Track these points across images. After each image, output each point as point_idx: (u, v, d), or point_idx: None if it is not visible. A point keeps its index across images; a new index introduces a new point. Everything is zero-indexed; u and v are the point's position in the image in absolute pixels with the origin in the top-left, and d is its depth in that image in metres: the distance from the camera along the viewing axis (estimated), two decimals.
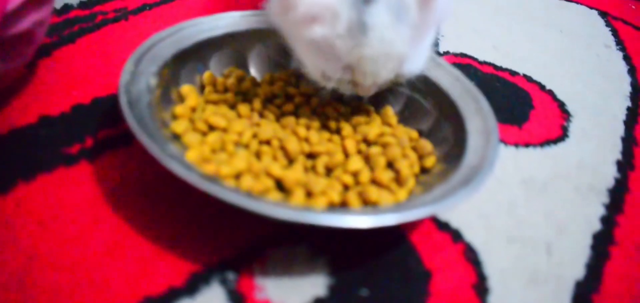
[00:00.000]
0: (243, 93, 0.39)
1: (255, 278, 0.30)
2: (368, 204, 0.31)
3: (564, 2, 0.72)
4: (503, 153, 0.42)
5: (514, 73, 0.53)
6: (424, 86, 0.39)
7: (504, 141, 0.43)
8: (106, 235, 0.31)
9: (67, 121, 0.38)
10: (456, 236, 0.34)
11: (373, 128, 0.37)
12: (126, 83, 0.33)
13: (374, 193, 0.31)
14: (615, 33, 0.65)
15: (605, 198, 0.39)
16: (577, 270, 0.34)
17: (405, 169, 0.34)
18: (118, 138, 0.37)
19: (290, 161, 0.34)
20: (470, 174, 0.31)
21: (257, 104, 0.38)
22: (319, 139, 0.36)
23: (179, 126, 0.34)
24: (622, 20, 0.69)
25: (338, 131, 0.37)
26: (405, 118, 0.40)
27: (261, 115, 0.38)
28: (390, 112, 0.39)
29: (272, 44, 0.41)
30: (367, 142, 0.36)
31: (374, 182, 0.33)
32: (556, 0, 0.72)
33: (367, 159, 0.35)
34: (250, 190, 0.30)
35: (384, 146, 0.35)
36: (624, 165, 0.43)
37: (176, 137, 0.34)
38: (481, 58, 0.54)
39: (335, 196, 0.31)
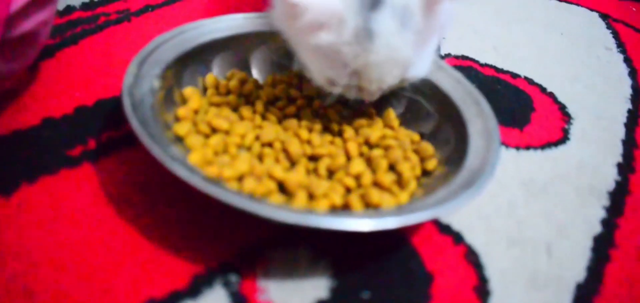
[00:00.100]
0: (245, 96, 0.39)
1: (258, 280, 0.30)
2: (370, 206, 0.31)
3: (565, 5, 0.72)
4: (504, 155, 0.42)
5: (515, 75, 0.53)
6: (426, 88, 0.39)
7: (505, 144, 0.43)
8: (109, 237, 0.31)
9: (70, 122, 0.38)
10: (457, 238, 0.34)
11: (375, 130, 0.37)
12: (129, 85, 0.33)
13: (375, 195, 0.31)
14: (616, 35, 0.65)
15: (605, 201, 0.40)
16: (577, 272, 0.34)
17: (407, 171, 0.34)
18: (121, 140, 0.37)
19: (293, 163, 0.34)
20: (471, 177, 0.32)
21: (259, 106, 0.38)
22: (321, 141, 0.36)
23: (181, 128, 0.34)
24: (623, 22, 0.69)
25: (340, 134, 0.37)
26: (406, 120, 0.40)
27: (263, 117, 0.38)
28: (392, 114, 0.39)
29: (275, 46, 0.42)
30: (369, 144, 0.36)
31: (376, 185, 0.33)
32: (557, 3, 0.72)
33: (369, 162, 0.35)
34: (252, 192, 0.30)
35: (386, 148, 0.36)
36: (625, 168, 0.43)
37: (179, 139, 0.34)
38: (482, 60, 0.55)
39: (337, 199, 0.31)
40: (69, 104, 0.40)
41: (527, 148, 0.43)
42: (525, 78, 0.53)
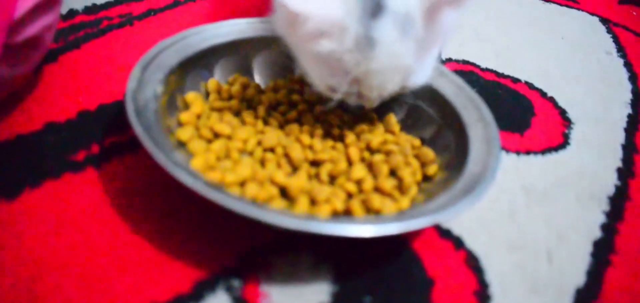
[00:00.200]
0: (247, 100, 0.39)
1: (260, 285, 0.30)
2: (371, 212, 0.32)
3: (566, 9, 0.72)
4: (504, 160, 0.42)
5: (515, 80, 0.53)
6: (427, 94, 0.40)
7: (505, 148, 0.43)
8: (113, 242, 0.31)
9: (73, 127, 0.38)
10: (458, 243, 0.34)
11: (376, 135, 0.37)
12: (133, 91, 0.33)
13: (377, 201, 0.32)
14: (616, 40, 0.66)
15: (605, 206, 0.40)
16: (577, 277, 0.34)
17: (408, 177, 0.34)
18: (124, 145, 0.37)
19: (294, 168, 0.35)
20: (472, 182, 0.32)
21: (261, 111, 0.38)
22: (322, 146, 0.36)
23: (184, 134, 0.34)
24: (623, 27, 0.69)
25: (341, 139, 0.38)
26: (407, 125, 0.40)
27: (265, 122, 0.38)
28: (393, 120, 0.39)
29: (277, 51, 0.42)
30: (370, 150, 0.37)
31: (377, 190, 0.33)
32: (558, 7, 0.72)
33: (370, 167, 0.35)
34: (255, 197, 0.31)
35: (387, 154, 0.36)
36: (625, 173, 0.43)
37: (181, 144, 0.34)
38: (483, 65, 0.55)
39: (339, 204, 0.31)
40: (72, 109, 0.40)
41: (528, 152, 0.44)
42: (526, 83, 0.53)
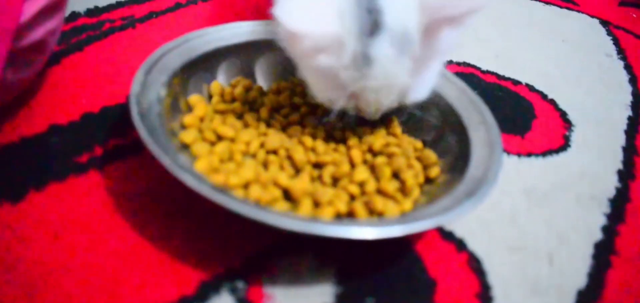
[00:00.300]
0: (250, 103, 0.40)
1: (264, 286, 0.30)
2: (374, 214, 0.32)
3: (566, 12, 0.73)
4: (505, 162, 0.42)
5: (516, 83, 0.53)
6: (428, 97, 0.40)
7: (506, 151, 0.44)
8: (117, 244, 0.31)
9: (77, 129, 0.39)
10: (460, 245, 0.35)
11: (378, 138, 0.37)
12: (137, 94, 0.33)
13: (379, 203, 0.32)
14: (616, 42, 0.66)
15: (606, 208, 0.40)
16: (578, 279, 0.34)
17: (411, 179, 0.34)
18: (127, 148, 0.38)
19: (297, 170, 0.35)
20: (474, 185, 0.32)
21: (263, 113, 0.38)
22: (325, 149, 0.36)
23: (187, 136, 0.34)
24: (623, 29, 0.69)
25: (343, 141, 0.38)
26: (409, 128, 0.40)
27: (268, 125, 0.38)
28: (394, 122, 0.40)
29: (279, 53, 0.42)
30: (373, 152, 0.37)
31: (380, 192, 0.34)
32: (558, 10, 0.73)
33: (373, 170, 0.35)
34: (258, 200, 0.31)
35: (389, 156, 0.36)
36: (625, 175, 0.44)
37: (185, 147, 0.34)
38: (484, 67, 0.55)
39: (342, 206, 0.32)
40: (75, 111, 0.40)
41: (529, 155, 0.44)
42: (527, 85, 0.53)
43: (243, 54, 0.42)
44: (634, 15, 0.75)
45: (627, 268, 0.35)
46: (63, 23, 0.41)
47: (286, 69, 0.42)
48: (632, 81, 0.58)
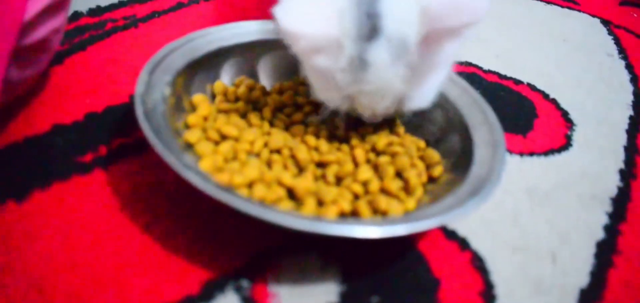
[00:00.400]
0: (253, 102, 0.40)
1: (269, 285, 0.30)
2: (378, 213, 0.32)
3: (567, 11, 0.73)
4: (508, 162, 0.42)
5: (518, 82, 0.54)
6: None
7: (508, 150, 0.44)
8: (122, 243, 0.31)
9: (80, 129, 0.39)
10: (463, 244, 0.35)
11: (381, 137, 0.38)
12: (141, 93, 0.33)
13: (383, 202, 0.32)
14: (617, 42, 0.66)
15: (608, 207, 0.40)
16: (581, 278, 0.34)
17: (414, 178, 0.34)
18: (131, 147, 0.38)
19: (300, 169, 0.35)
20: (478, 185, 0.32)
21: (267, 113, 0.38)
22: (328, 148, 0.36)
23: (192, 136, 0.34)
24: (624, 28, 0.70)
25: (346, 140, 0.38)
26: (412, 127, 0.40)
27: (271, 124, 0.38)
28: (397, 122, 0.40)
29: (282, 53, 0.42)
30: (376, 151, 0.37)
31: (383, 191, 0.34)
32: (559, 9, 0.73)
33: (376, 169, 0.35)
34: (262, 199, 0.31)
35: (393, 155, 0.36)
36: (627, 174, 0.44)
37: (189, 146, 0.34)
38: (486, 67, 0.55)
39: (346, 206, 0.32)
40: (78, 111, 0.40)
41: (531, 154, 0.44)
42: (528, 84, 0.53)
43: (246, 54, 0.43)
44: (635, 15, 0.75)
45: (629, 267, 0.36)
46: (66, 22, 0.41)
47: (289, 68, 0.42)
48: (633, 80, 0.58)
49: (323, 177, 0.35)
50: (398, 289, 0.31)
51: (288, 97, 0.40)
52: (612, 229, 0.38)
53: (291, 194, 0.33)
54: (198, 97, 0.38)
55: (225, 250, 0.32)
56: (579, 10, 0.73)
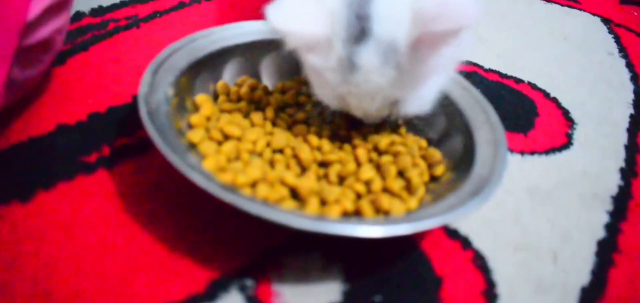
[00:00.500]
0: (256, 102, 0.40)
1: (273, 284, 0.31)
2: (380, 212, 0.32)
3: (567, 10, 0.73)
4: (509, 161, 0.42)
5: (518, 81, 0.54)
6: None
7: (509, 149, 0.44)
8: (126, 243, 0.31)
9: (84, 129, 0.39)
10: (465, 243, 0.35)
11: (383, 136, 0.38)
12: (145, 94, 0.34)
13: (386, 201, 0.32)
14: (617, 40, 0.66)
15: (609, 206, 0.40)
16: (582, 276, 0.35)
17: (416, 178, 0.34)
18: (134, 147, 0.38)
19: (303, 169, 0.35)
20: (480, 184, 0.32)
21: (269, 112, 0.39)
22: (330, 148, 0.37)
23: (195, 136, 0.35)
24: (625, 27, 0.70)
25: (348, 140, 0.38)
26: (414, 126, 0.40)
27: (274, 124, 0.38)
28: (399, 121, 0.40)
29: (284, 53, 0.42)
30: (378, 151, 0.37)
31: (386, 190, 0.34)
32: (559, 8, 0.73)
33: (378, 168, 0.36)
34: (266, 198, 0.31)
35: (395, 155, 0.36)
36: (627, 173, 0.44)
37: (192, 146, 0.34)
38: (486, 66, 0.55)
39: (349, 205, 0.32)
40: (82, 111, 0.40)
41: (532, 153, 0.44)
42: (529, 83, 0.54)
43: (248, 54, 0.43)
44: (635, 14, 0.75)
45: (630, 266, 0.36)
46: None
47: (291, 68, 0.42)
48: (634, 79, 0.58)
49: (325, 176, 0.35)
50: (400, 288, 0.32)
51: (290, 97, 0.41)
52: (613, 228, 0.38)
53: (294, 193, 0.33)
54: (201, 97, 0.38)
55: (229, 249, 0.32)
56: (580, 9, 0.73)
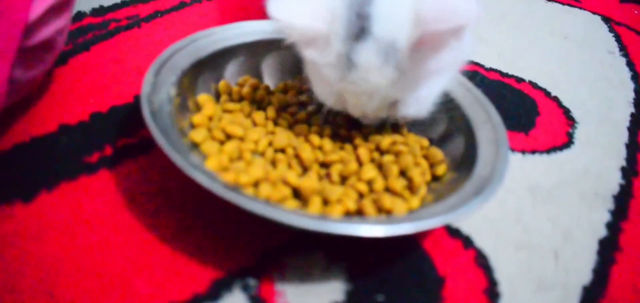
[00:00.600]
0: (257, 102, 0.40)
1: (275, 284, 0.31)
2: (382, 211, 0.32)
3: (568, 8, 0.73)
4: (510, 160, 0.42)
5: (519, 80, 0.54)
6: None
7: (511, 148, 0.44)
8: (130, 243, 0.31)
9: (86, 129, 0.39)
10: (467, 242, 0.35)
11: (385, 136, 0.38)
12: (148, 94, 0.34)
13: (388, 200, 0.32)
14: (618, 39, 0.66)
15: (610, 204, 0.40)
16: (583, 275, 0.35)
17: (418, 177, 0.35)
18: (136, 146, 0.38)
19: (305, 169, 0.35)
20: (481, 184, 0.32)
21: (271, 112, 0.39)
22: (332, 147, 0.37)
23: (197, 135, 0.35)
24: (625, 25, 0.70)
25: (349, 140, 0.38)
26: (415, 125, 0.40)
27: (275, 123, 0.38)
28: (400, 121, 0.40)
29: (285, 52, 0.42)
30: (380, 150, 0.37)
31: (388, 190, 0.34)
32: (560, 7, 0.73)
33: (380, 168, 0.36)
34: (268, 198, 0.31)
35: (396, 154, 0.36)
36: (628, 171, 0.44)
37: (194, 145, 0.34)
38: (487, 65, 0.55)
39: (351, 204, 0.32)
40: (84, 111, 0.40)
41: (533, 152, 0.44)
42: (530, 82, 0.54)
43: (250, 54, 0.43)
44: (636, 12, 0.75)
45: (632, 264, 0.36)
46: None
47: (293, 67, 0.42)
48: (635, 77, 0.58)
49: (327, 176, 0.35)
50: (403, 287, 0.32)
51: (292, 97, 0.41)
52: (615, 226, 0.38)
53: (296, 193, 0.33)
54: (203, 97, 0.39)
55: (231, 249, 0.32)
56: (580, 8, 0.73)
